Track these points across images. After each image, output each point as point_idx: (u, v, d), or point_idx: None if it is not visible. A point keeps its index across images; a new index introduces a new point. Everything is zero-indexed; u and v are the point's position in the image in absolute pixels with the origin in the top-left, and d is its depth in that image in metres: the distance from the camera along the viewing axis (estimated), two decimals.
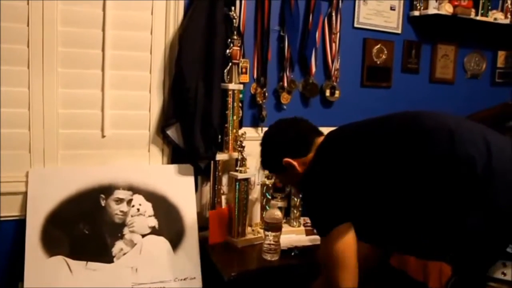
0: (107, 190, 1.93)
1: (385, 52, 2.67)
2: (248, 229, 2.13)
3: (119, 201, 1.93)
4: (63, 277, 1.75)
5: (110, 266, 1.82)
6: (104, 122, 2.00)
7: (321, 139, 1.54)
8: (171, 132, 2.06)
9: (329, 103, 2.52)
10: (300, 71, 2.43)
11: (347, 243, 1.35)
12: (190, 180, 2.09)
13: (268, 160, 1.66)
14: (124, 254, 1.86)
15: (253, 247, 2.03)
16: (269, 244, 1.91)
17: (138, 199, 1.96)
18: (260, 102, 2.29)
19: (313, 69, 2.42)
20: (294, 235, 2.16)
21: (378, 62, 2.66)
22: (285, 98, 2.37)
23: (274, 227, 1.92)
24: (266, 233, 1.93)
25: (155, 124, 2.10)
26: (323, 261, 1.43)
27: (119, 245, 1.87)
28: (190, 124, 2.02)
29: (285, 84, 2.35)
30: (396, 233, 1.37)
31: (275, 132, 1.65)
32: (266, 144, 1.66)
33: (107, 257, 1.83)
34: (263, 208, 2.21)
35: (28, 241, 1.76)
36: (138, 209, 1.94)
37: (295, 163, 1.53)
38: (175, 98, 2.05)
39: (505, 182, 1.20)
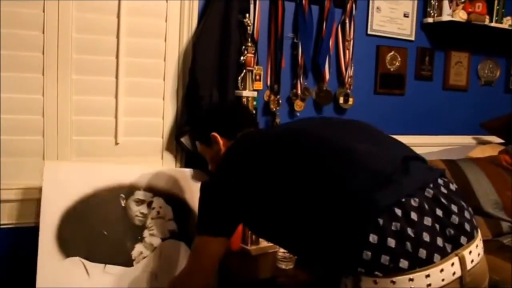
0: (127, 190, 1.86)
1: (399, 59, 2.66)
2: None
3: (140, 202, 1.87)
4: (79, 279, 1.68)
5: (129, 270, 1.75)
6: (118, 129, 2.00)
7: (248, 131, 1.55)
8: (185, 140, 2.05)
9: (343, 110, 2.51)
10: (314, 79, 2.42)
11: (212, 256, 1.39)
12: None
13: (199, 128, 1.70)
14: (144, 257, 1.80)
15: (267, 255, 2.00)
16: (284, 252, 1.89)
17: (158, 201, 1.90)
18: (274, 109, 2.28)
19: (327, 76, 2.41)
20: None
21: (392, 69, 2.65)
22: (298, 105, 2.36)
23: None
24: None
25: (169, 131, 2.09)
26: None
27: (138, 248, 1.80)
28: None
29: (299, 92, 2.34)
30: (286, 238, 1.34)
31: (215, 106, 1.74)
32: (203, 113, 1.75)
33: (126, 261, 1.77)
34: None
35: (42, 240, 1.66)
36: (158, 212, 1.88)
37: (221, 141, 1.55)
38: (189, 105, 2.04)
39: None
